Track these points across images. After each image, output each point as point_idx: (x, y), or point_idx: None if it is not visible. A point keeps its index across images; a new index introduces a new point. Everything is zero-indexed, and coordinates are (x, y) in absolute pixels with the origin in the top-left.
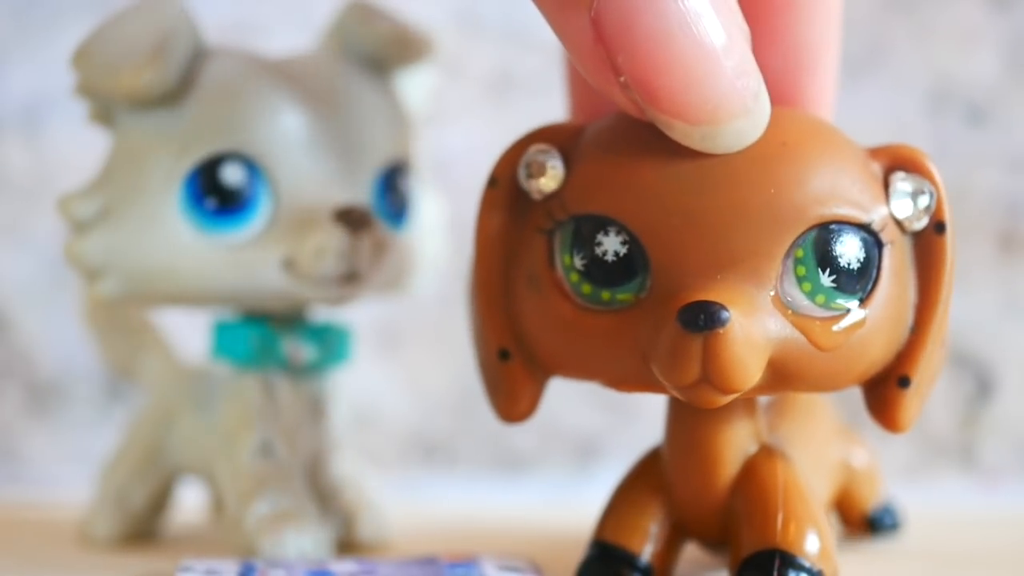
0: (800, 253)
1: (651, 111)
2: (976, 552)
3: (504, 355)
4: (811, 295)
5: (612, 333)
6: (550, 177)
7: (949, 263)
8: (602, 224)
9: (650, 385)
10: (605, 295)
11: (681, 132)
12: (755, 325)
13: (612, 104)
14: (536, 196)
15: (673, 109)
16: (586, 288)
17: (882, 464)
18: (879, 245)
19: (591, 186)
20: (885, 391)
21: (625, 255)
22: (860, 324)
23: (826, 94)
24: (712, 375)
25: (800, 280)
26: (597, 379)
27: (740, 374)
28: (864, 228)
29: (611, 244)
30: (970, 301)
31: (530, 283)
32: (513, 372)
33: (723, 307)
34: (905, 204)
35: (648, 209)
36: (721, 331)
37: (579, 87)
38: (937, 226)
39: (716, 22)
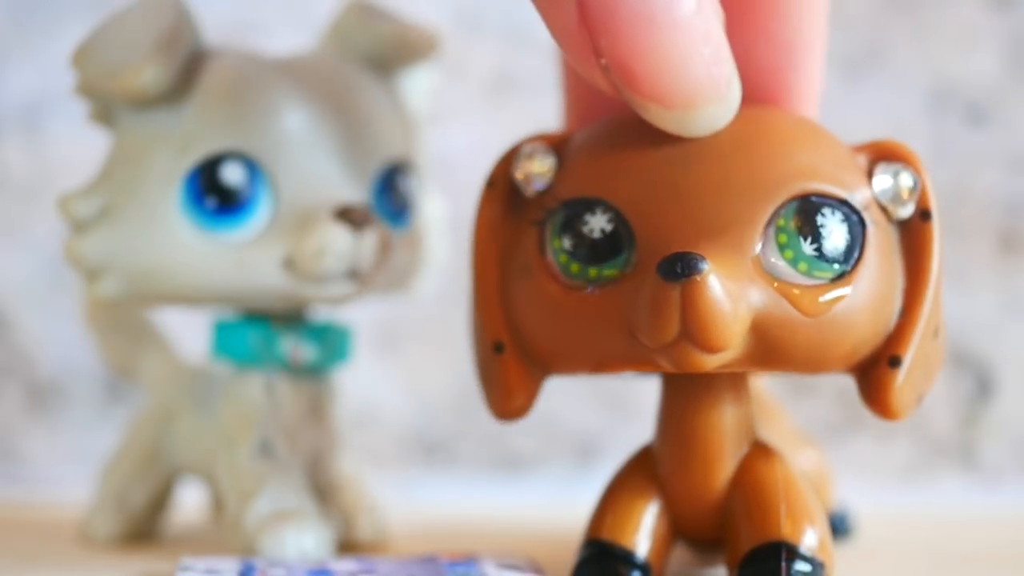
0: (782, 222)
1: (628, 94)
2: (976, 552)
3: (499, 348)
4: (793, 262)
5: (600, 309)
6: (538, 163)
7: (936, 249)
8: (590, 205)
9: (637, 361)
10: (592, 272)
11: (656, 115)
12: (734, 284)
13: (605, 109)
14: (529, 192)
15: (650, 93)
16: (574, 267)
17: (834, 470)
18: (862, 224)
19: (580, 174)
20: (876, 373)
21: (611, 232)
22: (845, 296)
23: (812, 91)
24: (691, 328)
25: (782, 248)
26: (585, 365)
27: (719, 327)
28: (845, 204)
29: (597, 222)
30: (970, 301)
31: (523, 272)
32: (507, 365)
33: (701, 257)
34: (885, 187)
35: (632, 186)
36: (698, 278)
37: (574, 92)
38: (923, 214)
39: (697, 10)
